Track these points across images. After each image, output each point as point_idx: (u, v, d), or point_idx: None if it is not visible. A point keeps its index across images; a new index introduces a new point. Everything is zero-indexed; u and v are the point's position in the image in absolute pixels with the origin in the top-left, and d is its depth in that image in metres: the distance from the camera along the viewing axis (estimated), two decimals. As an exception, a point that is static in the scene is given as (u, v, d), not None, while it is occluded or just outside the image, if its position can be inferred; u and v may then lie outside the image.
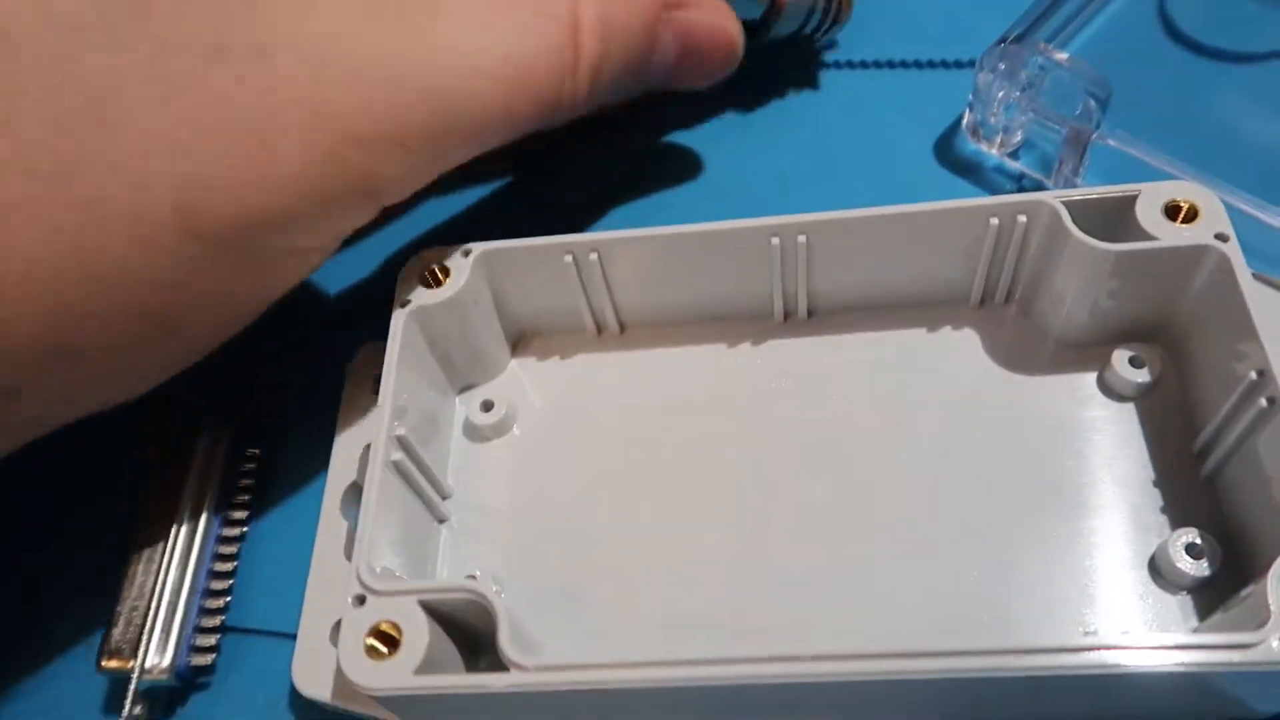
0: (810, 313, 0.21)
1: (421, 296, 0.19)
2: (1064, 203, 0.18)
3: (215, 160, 0.14)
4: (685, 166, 0.25)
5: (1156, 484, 0.18)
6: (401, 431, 0.18)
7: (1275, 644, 0.13)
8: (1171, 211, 0.18)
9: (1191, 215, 0.18)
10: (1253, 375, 0.16)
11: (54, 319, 0.14)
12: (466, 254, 0.19)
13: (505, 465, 0.20)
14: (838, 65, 0.26)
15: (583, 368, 0.21)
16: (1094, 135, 0.21)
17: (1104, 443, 0.19)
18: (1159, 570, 0.17)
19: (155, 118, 0.14)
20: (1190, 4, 0.25)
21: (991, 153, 0.24)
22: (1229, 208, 0.19)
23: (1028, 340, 0.20)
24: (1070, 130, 0.22)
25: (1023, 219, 0.18)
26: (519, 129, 0.18)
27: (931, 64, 0.26)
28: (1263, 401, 0.16)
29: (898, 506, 0.18)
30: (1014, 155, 0.23)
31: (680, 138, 0.26)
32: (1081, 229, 0.18)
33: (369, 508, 0.16)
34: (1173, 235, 0.18)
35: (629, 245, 0.19)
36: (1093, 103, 0.22)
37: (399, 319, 0.19)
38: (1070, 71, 0.22)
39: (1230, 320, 0.17)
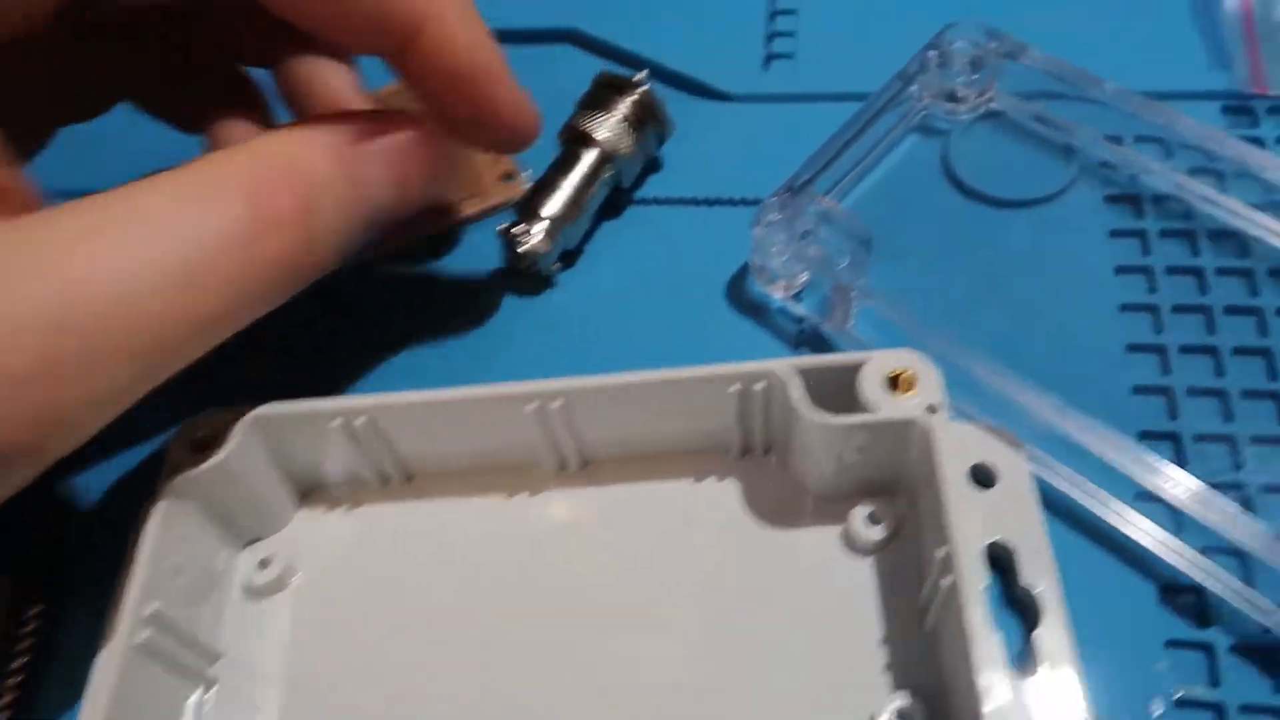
0: (584, 463, 0.22)
1: (193, 461, 0.20)
2: (798, 370, 0.19)
3: None
4: (490, 300, 0.26)
5: (884, 641, 0.19)
6: (152, 609, 0.18)
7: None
8: (893, 381, 0.19)
9: (910, 384, 0.19)
10: (941, 554, 0.17)
11: None
12: (238, 418, 0.20)
13: (281, 622, 0.21)
14: (643, 202, 0.27)
15: (367, 519, 0.22)
16: (855, 289, 0.23)
17: (842, 597, 0.20)
18: None
19: None
20: (969, 153, 0.26)
21: (776, 296, 0.25)
22: (970, 366, 0.21)
23: (785, 492, 0.21)
24: (835, 283, 0.23)
25: (761, 385, 0.20)
26: (235, 318, 0.17)
27: (732, 202, 0.27)
28: (946, 579, 0.17)
29: (652, 653, 0.19)
30: (798, 298, 0.25)
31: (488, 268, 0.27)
32: (822, 390, 0.19)
33: (98, 694, 0.17)
34: (889, 406, 0.19)
35: (394, 411, 0.20)
36: (861, 254, 0.23)
37: (165, 489, 0.19)
38: (839, 222, 0.23)
39: (934, 487, 0.18)
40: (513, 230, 0.25)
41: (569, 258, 0.26)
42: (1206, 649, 0.19)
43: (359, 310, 0.26)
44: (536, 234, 0.25)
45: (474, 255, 0.27)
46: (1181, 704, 0.18)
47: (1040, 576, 0.19)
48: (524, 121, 0.21)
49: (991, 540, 0.19)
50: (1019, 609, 0.19)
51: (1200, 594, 0.19)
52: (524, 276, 0.26)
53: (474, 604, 0.20)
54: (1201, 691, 0.18)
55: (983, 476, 0.19)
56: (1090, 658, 0.19)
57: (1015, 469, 0.20)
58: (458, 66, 0.19)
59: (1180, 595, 0.19)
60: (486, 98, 0.20)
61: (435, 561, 0.21)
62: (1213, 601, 0.19)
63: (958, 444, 0.19)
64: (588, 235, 0.27)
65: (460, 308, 0.26)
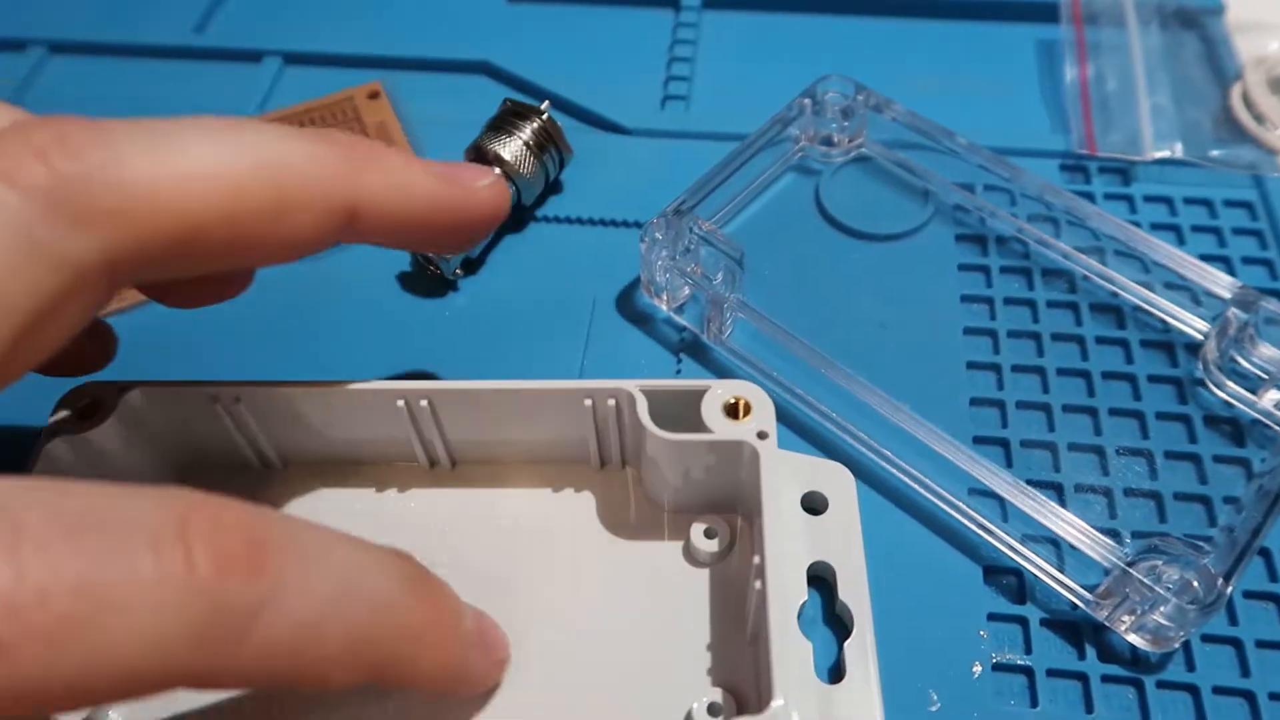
0: (454, 463, 0.23)
1: (70, 427, 0.20)
2: (644, 391, 0.21)
3: None
4: (394, 300, 0.27)
5: (710, 645, 0.20)
6: None
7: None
8: (730, 408, 0.21)
9: (746, 411, 0.21)
10: (757, 559, 0.19)
11: None
12: (121, 391, 0.21)
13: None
14: (544, 220, 0.29)
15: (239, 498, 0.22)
16: (729, 302, 0.25)
17: (679, 604, 0.21)
18: None
19: None
20: (840, 190, 0.29)
21: (662, 307, 0.27)
22: (831, 373, 0.23)
23: (640, 504, 0.22)
24: (711, 296, 0.25)
25: (612, 402, 0.21)
26: None
27: (625, 224, 0.29)
28: (757, 584, 0.19)
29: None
30: (680, 311, 0.27)
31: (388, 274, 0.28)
32: (669, 411, 0.21)
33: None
34: (725, 429, 0.20)
35: (269, 395, 0.21)
36: (734, 271, 0.25)
37: (43, 447, 0.20)
38: (716, 242, 0.25)
39: (759, 507, 0.19)
40: None
41: (471, 265, 0.28)
42: (1022, 622, 0.21)
43: (265, 301, 0.27)
44: None
45: (380, 257, 0.28)
46: (998, 667, 0.20)
47: (855, 596, 0.20)
48: (480, 217, 0.19)
49: (815, 560, 0.20)
50: (837, 626, 0.20)
51: (1019, 575, 0.21)
52: (427, 279, 0.27)
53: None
54: (1016, 657, 0.20)
55: (813, 504, 0.21)
56: (924, 626, 0.21)
57: (845, 500, 0.21)
58: (397, 225, 0.18)
59: (1002, 576, 0.21)
60: (441, 227, 0.19)
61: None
62: (1029, 581, 0.21)
63: (793, 467, 0.21)
64: (490, 246, 0.28)
65: (365, 305, 0.27)
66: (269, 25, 0.35)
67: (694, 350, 0.26)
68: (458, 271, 0.27)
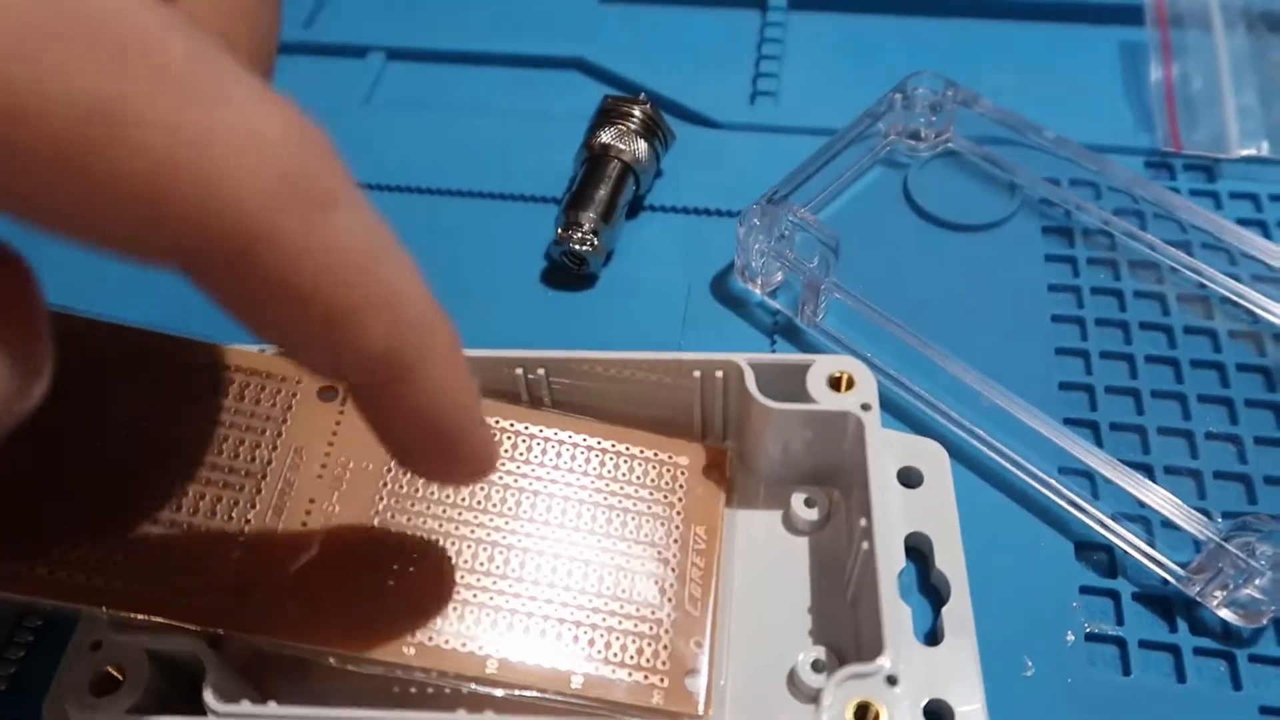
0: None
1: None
2: (751, 364, 0.22)
3: None
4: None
5: (811, 609, 0.21)
6: None
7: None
8: (834, 381, 0.22)
9: (849, 384, 0.22)
10: (863, 522, 0.20)
11: None
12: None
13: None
14: (649, 208, 0.30)
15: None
16: (824, 285, 0.26)
17: (779, 570, 0.22)
18: (795, 681, 0.20)
19: None
20: (928, 182, 0.30)
21: (755, 291, 0.28)
22: (925, 352, 0.23)
23: (738, 475, 0.23)
24: (807, 279, 0.26)
25: (719, 374, 0.22)
26: None
27: (719, 213, 0.30)
28: (864, 545, 0.20)
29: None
30: (773, 295, 0.28)
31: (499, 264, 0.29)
32: (773, 384, 0.22)
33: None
34: (830, 401, 0.21)
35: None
36: (829, 256, 0.26)
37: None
38: (811, 229, 0.26)
39: (862, 474, 0.20)
40: (574, 238, 0.27)
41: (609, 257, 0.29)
42: (1113, 595, 0.22)
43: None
44: (590, 239, 0.28)
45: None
46: (1091, 637, 0.21)
47: (951, 565, 0.21)
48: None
49: (911, 531, 0.21)
50: (933, 594, 0.21)
51: (1109, 552, 0.22)
52: (571, 276, 0.29)
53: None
54: (1108, 628, 0.21)
55: (909, 478, 0.22)
56: (1016, 597, 0.21)
57: (939, 475, 0.22)
58: (439, 415, 0.15)
59: (1092, 552, 0.22)
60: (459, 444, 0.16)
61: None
62: (1119, 558, 0.22)
63: (889, 444, 0.22)
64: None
65: (511, 308, 0.28)
66: (373, 21, 0.37)
67: (788, 332, 0.27)
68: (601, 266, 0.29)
